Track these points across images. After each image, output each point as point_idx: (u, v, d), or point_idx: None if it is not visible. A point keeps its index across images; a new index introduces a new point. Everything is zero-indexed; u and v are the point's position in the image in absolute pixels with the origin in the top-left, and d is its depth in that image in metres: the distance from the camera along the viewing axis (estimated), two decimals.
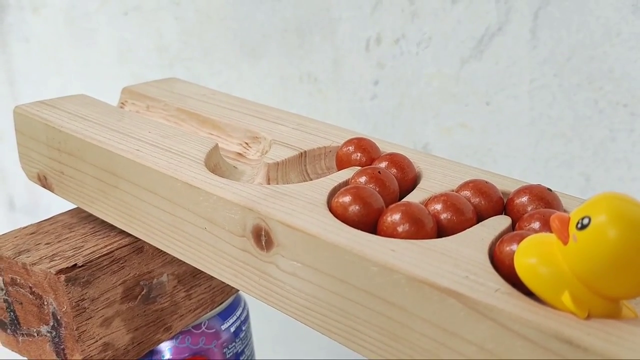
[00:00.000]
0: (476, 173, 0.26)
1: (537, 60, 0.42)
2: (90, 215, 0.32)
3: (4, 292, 0.30)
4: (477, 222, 0.22)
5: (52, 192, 0.32)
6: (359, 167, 0.26)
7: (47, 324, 0.28)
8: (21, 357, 0.31)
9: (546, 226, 0.20)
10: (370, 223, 0.22)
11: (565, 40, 0.40)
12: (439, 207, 0.22)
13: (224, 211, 0.23)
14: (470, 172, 0.26)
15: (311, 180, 0.28)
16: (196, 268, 0.26)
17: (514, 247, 0.19)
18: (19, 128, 0.32)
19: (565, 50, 0.40)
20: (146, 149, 0.27)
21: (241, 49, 0.56)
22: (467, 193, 0.24)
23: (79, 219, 0.32)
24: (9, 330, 0.30)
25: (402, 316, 0.19)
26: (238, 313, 0.36)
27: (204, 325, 0.33)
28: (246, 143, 0.32)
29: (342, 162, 0.28)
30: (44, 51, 0.72)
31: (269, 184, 0.27)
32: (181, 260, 0.27)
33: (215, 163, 0.28)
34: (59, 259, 0.27)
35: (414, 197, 0.24)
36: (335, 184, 0.25)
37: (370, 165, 0.26)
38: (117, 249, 0.28)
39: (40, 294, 0.28)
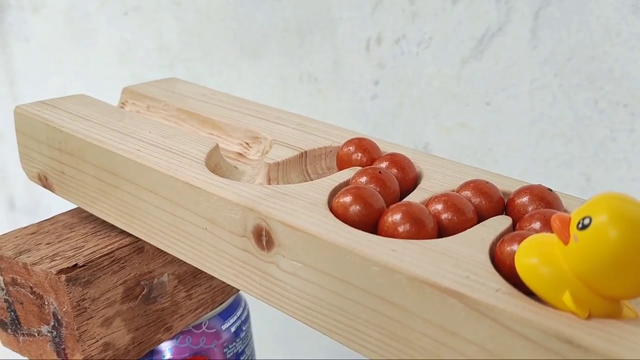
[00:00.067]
0: (477, 173, 0.26)
1: (537, 60, 0.42)
2: (91, 215, 0.32)
3: (5, 292, 0.30)
4: (478, 222, 0.22)
5: (53, 192, 0.32)
6: (360, 167, 0.26)
7: (48, 324, 0.28)
8: (22, 357, 0.31)
9: (547, 226, 0.20)
10: (371, 223, 0.22)
11: (566, 40, 0.40)
12: (439, 207, 0.22)
13: (225, 211, 0.23)
14: (471, 172, 0.26)
15: (312, 180, 0.28)
16: (197, 268, 0.26)
17: (515, 247, 0.19)
18: (19, 128, 0.32)
19: (566, 50, 0.40)
20: (147, 149, 0.27)
21: (241, 49, 0.56)
22: (467, 193, 0.24)
23: (80, 219, 0.32)
24: (9, 330, 0.30)
25: (402, 316, 0.19)
26: (238, 313, 0.36)
27: (204, 325, 0.33)
28: (247, 143, 0.32)
29: (342, 162, 0.28)
30: (44, 51, 0.72)
31: (269, 184, 0.27)
32: (182, 260, 0.27)
33: (215, 163, 0.28)
34: (59, 259, 0.27)
35: (415, 197, 0.24)
36: (336, 184, 0.25)
37: (371, 165, 0.26)
38: (117, 249, 0.28)
39: (40, 293, 0.28)
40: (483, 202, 0.23)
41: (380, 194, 0.23)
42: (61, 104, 0.33)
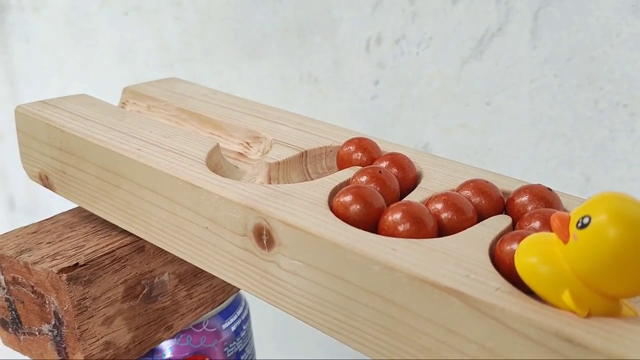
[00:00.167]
0: (477, 173, 0.26)
1: (537, 61, 0.42)
2: (92, 214, 0.32)
3: (6, 291, 0.30)
4: (478, 222, 0.22)
5: (54, 191, 0.32)
6: (360, 167, 0.26)
7: (49, 323, 0.28)
8: (23, 356, 0.31)
9: (546, 225, 0.21)
10: (371, 222, 0.22)
11: (566, 40, 0.40)
12: (439, 206, 0.22)
13: (226, 210, 0.23)
14: (471, 172, 0.26)
15: (312, 179, 0.28)
16: (197, 267, 0.26)
17: (515, 246, 0.19)
18: (20, 128, 0.32)
19: (566, 51, 0.41)
20: (148, 148, 0.27)
21: (242, 49, 0.56)
22: (467, 192, 0.24)
23: (81, 218, 0.32)
24: (10, 329, 0.31)
25: (403, 315, 0.19)
26: (239, 312, 0.36)
27: (204, 324, 0.34)
28: (247, 143, 0.32)
29: (343, 162, 0.28)
30: (44, 51, 0.72)
31: (270, 183, 0.27)
32: (182, 260, 0.27)
33: (216, 163, 0.28)
34: (60, 258, 0.28)
35: (415, 197, 0.24)
36: (336, 184, 0.25)
37: (371, 164, 0.26)
38: (118, 248, 0.29)
39: (41, 292, 0.28)
40: (483, 202, 0.23)
41: (380, 193, 0.23)
42: (62, 104, 0.33)
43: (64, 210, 0.34)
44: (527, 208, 0.23)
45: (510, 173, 0.43)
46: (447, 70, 0.45)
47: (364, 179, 0.24)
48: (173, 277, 0.31)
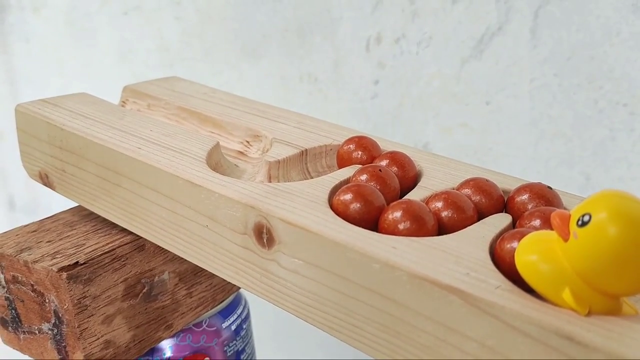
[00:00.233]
0: (477, 171, 0.26)
1: (537, 60, 0.42)
2: (92, 213, 0.32)
3: (6, 289, 0.30)
4: (478, 220, 0.22)
5: (54, 190, 0.32)
6: (360, 165, 0.26)
7: (49, 322, 0.28)
8: (23, 355, 0.31)
9: (547, 224, 0.21)
10: (371, 221, 0.22)
11: (565, 39, 0.40)
12: (439, 204, 0.22)
13: (226, 209, 0.23)
14: (471, 171, 0.26)
15: (312, 178, 0.28)
16: (197, 266, 0.26)
17: (515, 244, 0.19)
18: (20, 126, 0.32)
19: (566, 50, 0.41)
20: (148, 147, 0.27)
21: (242, 49, 0.56)
22: (467, 191, 0.24)
23: (81, 217, 0.32)
24: (10, 328, 0.31)
25: (403, 313, 0.19)
26: (239, 311, 0.36)
27: (205, 323, 0.34)
28: (247, 141, 0.32)
29: (343, 160, 0.28)
30: (44, 51, 0.72)
31: (270, 182, 0.27)
32: (182, 258, 0.27)
33: (216, 161, 0.28)
34: (60, 257, 0.28)
35: (415, 195, 0.24)
36: (337, 182, 0.25)
37: (371, 163, 0.26)
38: (118, 247, 0.29)
39: (41, 291, 0.28)
40: (483, 200, 0.23)
41: (380, 191, 0.23)
42: (62, 102, 0.33)
43: (64, 209, 0.34)
44: (527, 206, 0.23)
45: (510, 172, 0.43)
46: (447, 69, 0.45)
47: (364, 177, 0.24)
48: (173, 275, 0.31)
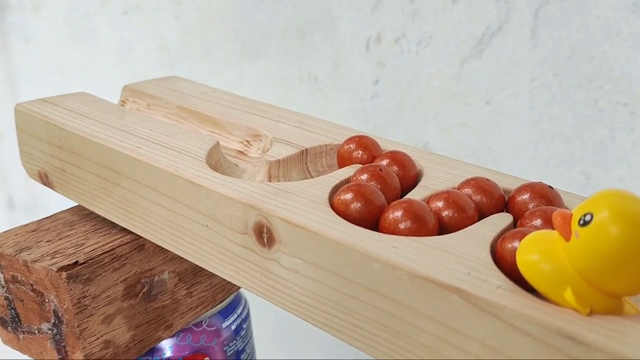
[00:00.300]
0: (477, 171, 0.26)
1: (537, 60, 0.42)
2: (92, 212, 0.32)
3: (5, 289, 0.30)
4: (479, 220, 0.22)
5: (53, 189, 0.32)
6: (361, 165, 0.26)
7: (48, 322, 0.28)
8: (22, 355, 0.31)
9: (548, 223, 0.20)
10: (372, 220, 0.22)
11: (565, 39, 0.40)
12: (440, 204, 0.22)
13: (226, 208, 0.23)
14: (472, 170, 0.26)
15: (312, 177, 0.28)
16: (197, 266, 0.26)
17: (516, 244, 0.19)
18: (20, 126, 0.32)
19: (566, 50, 0.41)
20: (148, 146, 0.27)
21: (242, 49, 0.56)
22: (468, 190, 0.24)
23: (80, 217, 0.32)
24: (9, 328, 0.30)
25: (404, 313, 0.19)
26: (239, 311, 0.36)
27: (204, 323, 0.33)
28: (247, 141, 0.32)
29: (343, 160, 0.28)
30: (44, 51, 0.72)
31: (270, 181, 0.27)
32: (182, 258, 0.27)
33: (216, 161, 0.28)
34: (60, 257, 0.27)
35: (416, 195, 0.24)
36: (337, 182, 0.25)
37: (372, 162, 0.26)
38: (118, 247, 0.28)
39: (41, 291, 0.28)
40: (484, 200, 0.23)
41: (381, 191, 0.23)
42: (62, 102, 0.33)
43: (64, 209, 0.34)
44: (528, 206, 0.23)
45: (510, 172, 0.43)
46: (447, 69, 0.45)
47: (364, 176, 0.24)
48: (173, 275, 0.31)
